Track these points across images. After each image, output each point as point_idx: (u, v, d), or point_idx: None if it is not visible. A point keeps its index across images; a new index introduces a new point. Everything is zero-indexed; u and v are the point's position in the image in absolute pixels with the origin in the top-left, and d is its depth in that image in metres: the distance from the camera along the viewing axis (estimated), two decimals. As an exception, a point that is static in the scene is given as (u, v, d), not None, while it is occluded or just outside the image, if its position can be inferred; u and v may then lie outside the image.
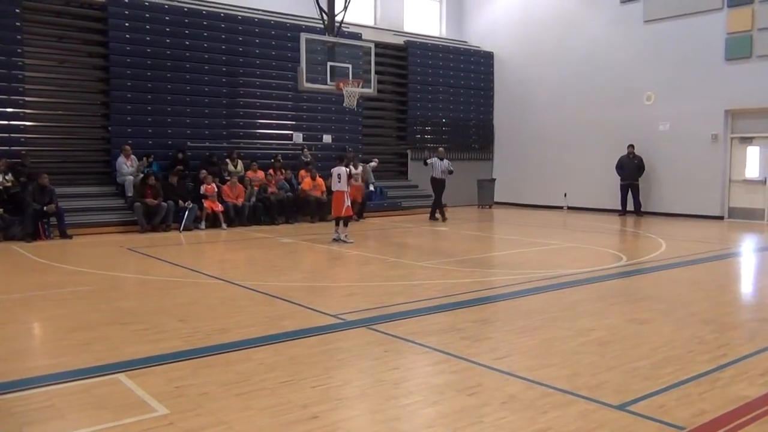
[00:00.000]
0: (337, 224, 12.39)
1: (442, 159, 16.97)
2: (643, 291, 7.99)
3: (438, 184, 16.79)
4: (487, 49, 22.48)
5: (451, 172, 16.94)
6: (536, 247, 11.94)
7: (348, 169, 12.38)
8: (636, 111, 18.40)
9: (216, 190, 14.57)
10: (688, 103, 17.38)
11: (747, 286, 9.16)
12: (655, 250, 11.26)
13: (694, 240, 13.13)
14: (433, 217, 16.98)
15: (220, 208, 14.38)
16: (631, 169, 17.87)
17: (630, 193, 18.02)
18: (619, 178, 18.15)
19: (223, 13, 16.85)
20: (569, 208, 19.78)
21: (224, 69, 16.55)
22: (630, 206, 18.07)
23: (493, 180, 21.81)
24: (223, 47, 16.56)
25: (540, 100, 20.99)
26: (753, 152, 16.96)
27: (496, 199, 21.62)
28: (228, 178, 15.13)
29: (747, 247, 12.68)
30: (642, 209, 18.00)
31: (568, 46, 20.14)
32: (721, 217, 17.04)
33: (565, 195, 19.83)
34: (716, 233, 14.53)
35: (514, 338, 5.65)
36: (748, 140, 17.01)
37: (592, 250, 11.76)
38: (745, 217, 16.75)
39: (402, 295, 7.38)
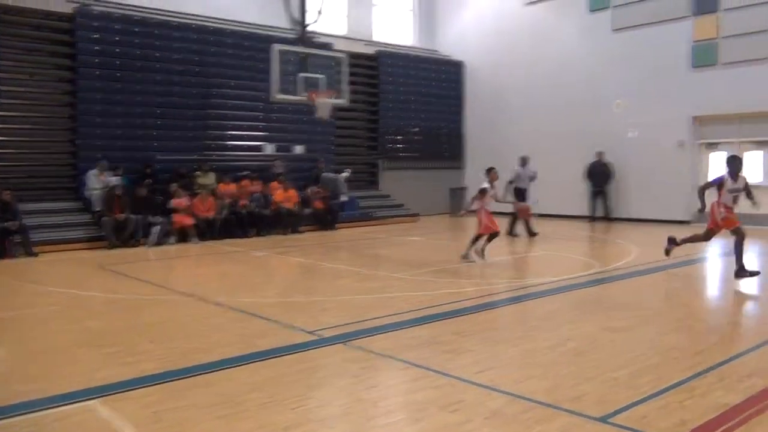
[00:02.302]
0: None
1: (524, 166, 15.32)
2: (616, 298, 8.05)
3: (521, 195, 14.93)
4: (458, 58, 22.61)
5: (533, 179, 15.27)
6: (510, 256, 11.98)
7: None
8: (605, 118, 18.65)
9: (187, 203, 14.35)
10: (656, 110, 17.66)
11: (716, 290, 9.31)
12: (625, 257, 11.37)
13: (662, 245, 13.28)
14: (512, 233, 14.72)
15: (190, 222, 14.15)
16: (600, 175, 18.09)
17: (599, 199, 18.25)
18: (589, 184, 18.36)
19: (194, 24, 16.69)
20: (540, 215, 19.90)
21: (194, 80, 16.37)
22: (600, 212, 18.29)
23: (464, 188, 21.89)
24: (194, 59, 16.39)
25: (510, 108, 21.15)
26: (718, 158, 17.29)
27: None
28: (199, 191, 14.92)
29: (713, 251, 12.88)
30: (611, 215, 18.23)
31: (538, 54, 20.35)
32: (688, 222, 17.32)
33: (536, 202, 19.96)
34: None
35: (493, 350, 5.63)
36: (713, 146, 17.36)
37: (564, 257, 11.84)
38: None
39: (378, 309, 7.31)
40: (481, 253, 10.66)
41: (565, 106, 19.59)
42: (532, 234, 14.37)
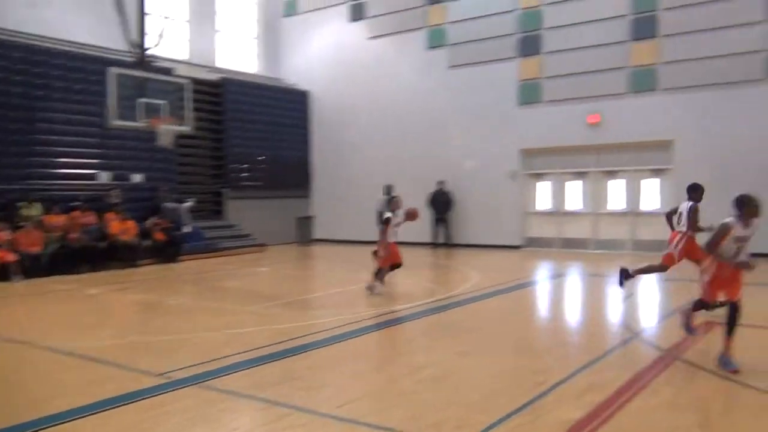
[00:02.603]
0: None
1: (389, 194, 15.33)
2: (463, 324, 8.42)
3: None
4: (304, 87, 22.76)
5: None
6: (360, 284, 12.13)
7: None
8: (445, 149, 19.64)
9: (7, 237, 12.99)
10: (489, 142, 18.93)
11: (549, 311, 10.07)
12: (467, 282, 11.98)
13: (499, 270, 14.20)
14: None
15: (12, 258, 12.81)
16: (441, 203, 18.98)
17: (441, 226, 19.12)
18: (431, 212, 19.18)
19: (20, 42, 15.31)
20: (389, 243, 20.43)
21: (17, 103, 14.96)
22: (441, 239, 19.15)
23: (311, 217, 21.96)
24: (16, 79, 15.00)
25: (355, 138, 21.62)
26: (544, 187, 18.88)
27: (316, 236, 21.78)
28: (22, 224, 13.57)
29: (544, 274, 13.98)
30: (452, 242, 19.16)
31: (381, 87, 21.05)
32: (519, 247, 18.66)
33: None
34: (517, 262, 15.87)
35: (352, 382, 5.65)
36: (539, 176, 18.91)
37: (411, 284, 12.21)
38: (539, 245, 18.50)
39: (230, 346, 7.05)
40: (381, 282, 10.55)
41: (408, 136, 20.41)
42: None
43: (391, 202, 11.00)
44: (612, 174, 17.78)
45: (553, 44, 18.12)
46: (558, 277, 13.37)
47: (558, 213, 18.49)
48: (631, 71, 16.98)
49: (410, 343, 7.18)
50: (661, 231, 16.65)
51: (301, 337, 7.45)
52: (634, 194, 17.42)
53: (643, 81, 16.78)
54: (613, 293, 11.02)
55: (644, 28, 16.74)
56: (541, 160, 18.73)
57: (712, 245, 5.85)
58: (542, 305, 10.53)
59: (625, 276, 9.25)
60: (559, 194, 18.54)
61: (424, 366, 6.12)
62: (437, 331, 7.86)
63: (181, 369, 6.08)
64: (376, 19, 21.44)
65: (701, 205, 8.87)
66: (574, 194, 18.35)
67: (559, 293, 11.77)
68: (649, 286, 12.21)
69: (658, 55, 16.60)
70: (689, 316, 6.52)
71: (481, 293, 10.63)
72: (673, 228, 8.97)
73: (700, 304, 6.36)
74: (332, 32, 22.31)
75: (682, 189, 16.05)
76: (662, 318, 8.69)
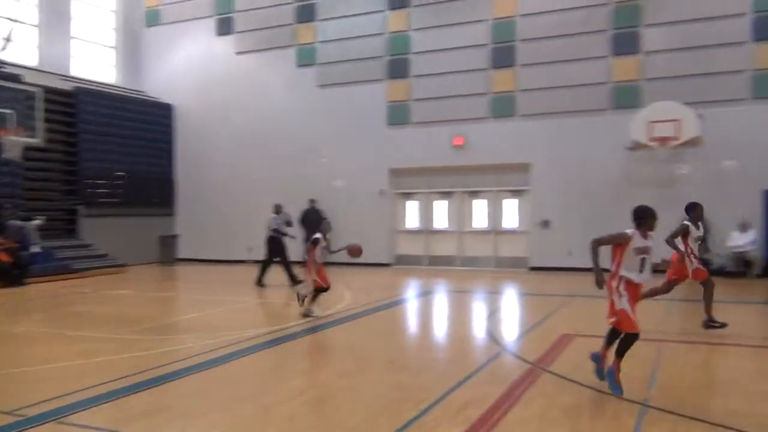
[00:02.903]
0: None
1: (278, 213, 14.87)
2: (340, 343, 8.38)
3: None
4: (167, 100, 21.83)
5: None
6: (228, 306, 11.74)
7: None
8: (315, 167, 19.61)
9: None
10: (359, 161, 19.15)
11: (422, 328, 10.28)
12: (341, 301, 11.96)
13: (371, 288, 14.33)
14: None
15: None
16: (312, 222, 18.82)
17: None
18: (303, 230, 18.98)
19: None
20: (255, 262, 19.98)
21: None
22: (312, 257, 18.99)
23: (176, 236, 21.02)
24: None
25: (223, 154, 21.04)
26: (412, 206, 19.39)
27: (180, 256, 20.85)
28: None
29: (414, 291, 14.29)
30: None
31: (249, 103, 20.68)
32: (389, 264, 18.97)
33: (250, 249, 20.03)
34: (388, 280, 16.10)
35: (230, 410, 5.39)
36: (408, 195, 19.39)
37: (284, 304, 12.00)
38: (408, 263, 18.93)
39: (90, 376, 6.50)
40: (301, 302, 10.20)
41: (277, 154, 20.17)
42: (259, 283, 14.26)
43: (321, 224, 10.65)
44: (475, 194, 18.61)
45: (420, 68, 18.74)
46: (427, 294, 13.71)
47: (425, 231, 19.03)
48: (493, 97, 17.93)
49: (288, 366, 7.00)
50: (520, 248, 17.77)
51: (169, 364, 7.04)
52: (495, 213, 18.32)
53: (503, 107, 17.77)
54: (479, 309, 11.50)
55: (503, 57, 17.76)
56: (409, 180, 19.21)
57: (601, 240, 5.67)
58: (415, 323, 10.73)
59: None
60: (426, 213, 19.10)
61: (304, 389, 6.00)
62: (316, 353, 7.75)
63: (34, 405, 5.50)
64: (244, 35, 21.10)
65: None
66: (441, 213, 18.99)
67: (430, 310, 12.07)
68: (511, 301, 12.85)
69: (516, 83, 17.67)
70: (602, 357, 5.92)
71: (356, 312, 10.65)
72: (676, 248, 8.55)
73: (623, 338, 5.71)
74: (199, 45, 21.66)
75: (538, 208, 17.30)
76: (526, 332, 9.13)
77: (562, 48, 17.08)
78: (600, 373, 5.86)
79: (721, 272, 15.06)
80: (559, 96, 17.12)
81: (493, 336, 8.86)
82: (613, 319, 5.73)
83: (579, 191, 16.81)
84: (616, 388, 5.59)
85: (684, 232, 8.32)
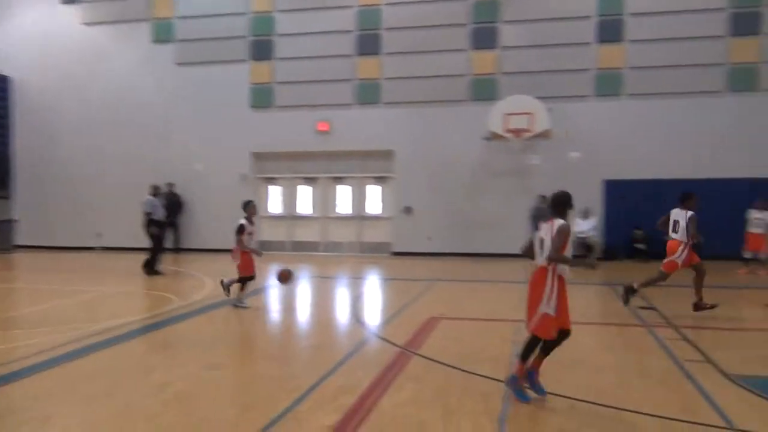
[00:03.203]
0: None
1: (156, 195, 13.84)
2: (205, 333, 8.03)
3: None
4: (3, 72, 19.77)
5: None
6: (79, 297, 10.89)
7: None
8: (173, 150, 18.69)
9: None
10: (220, 144, 18.51)
11: (289, 315, 10.11)
12: (202, 289, 11.51)
13: (233, 275, 13.90)
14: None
15: None
16: (171, 206, 17.96)
17: (170, 230, 18.10)
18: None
19: None
20: (105, 248, 18.77)
21: None
22: (170, 243, 18.13)
23: (13, 221, 19.18)
24: None
25: (71, 132, 19.47)
26: (275, 191, 19.07)
27: (19, 242, 19.07)
28: None
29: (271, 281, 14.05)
30: (181, 246, 18.30)
31: (99, 78, 19.29)
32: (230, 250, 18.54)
33: (99, 235, 18.78)
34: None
35: (86, 411, 4.98)
36: (271, 180, 19.04)
37: (140, 293, 11.35)
38: (272, 248, 18.61)
39: None
40: (226, 291, 9.68)
41: (131, 134, 19.01)
42: (152, 271, 13.45)
43: (248, 208, 9.98)
44: (340, 180, 18.66)
45: (284, 51, 18.41)
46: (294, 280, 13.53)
47: (289, 217, 18.81)
48: (358, 84, 18.03)
49: (149, 359, 6.60)
50: (383, 234, 18.07)
51: (14, 362, 6.39)
52: (359, 199, 18.49)
53: (368, 94, 17.93)
54: (345, 295, 11.55)
55: (369, 44, 17.89)
56: (272, 165, 18.87)
57: (560, 249, 4.96)
58: (281, 310, 10.52)
59: (631, 292, 9.27)
60: (290, 198, 18.88)
61: (168, 383, 5.67)
62: (180, 344, 7.37)
63: None
64: (92, 4, 19.60)
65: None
66: (305, 199, 18.86)
67: (296, 297, 11.92)
68: (376, 286, 13.05)
69: (381, 71, 17.87)
70: (520, 379, 5.19)
71: (220, 300, 10.26)
72: (668, 234, 8.87)
73: (543, 346, 5.14)
74: (40, 13, 19.85)
75: (401, 195, 17.68)
76: (393, 316, 9.28)
77: (426, 39, 17.51)
78: (536, 388, 5.18)
79: (567, 256, 16.23)
80: (422, 85, 17.56)
81: (361, 321, 8.93)
82: (535, 326, 5.05)
83: (439, 179, 17.37)
84: (540, 390, 5.16)
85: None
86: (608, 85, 16.56)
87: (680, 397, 5.30)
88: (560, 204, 5.19)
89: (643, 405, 4.82)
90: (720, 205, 14.27)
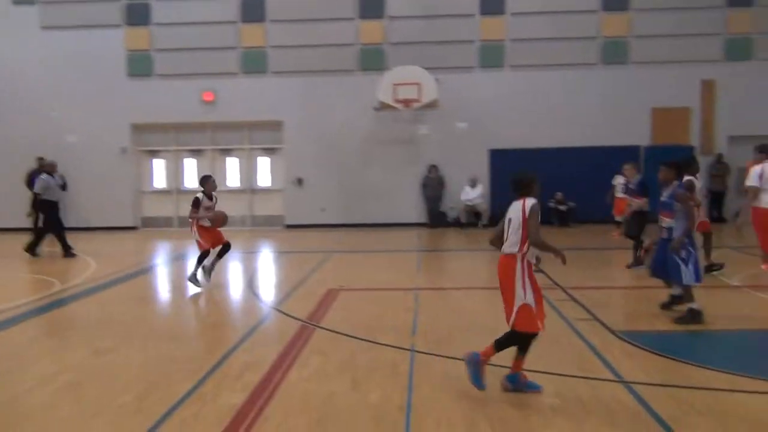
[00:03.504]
0: None
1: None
2: (92, 317, 7.59)
3: None
4: None
5: None
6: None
7: None
8: (41, 122, 17.30)
9: None
10: (96, 115, 17.36)
11: (181, 294, 9.72)
12: (86, 270, 10.86)
13: (119, 254, 13.27)
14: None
15: None
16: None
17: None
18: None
19: None
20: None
21: None
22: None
23: None
24: None
25: None
26: (159, 164, 18.21)
27: None
28: None
29: (166, 256, 13.54)
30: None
31: (-49, 43, 17.43)
32: (135, 227, 17.71)
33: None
34: (137, 244, 15.06)
35: (-36, 408, 4.58)
36: (154, 153, 18.14)
37: (13, 277, 10.54)
38: (157, 225, 17.86)
39: None
40: (209, 273, 9.06)
41: (-7, 105, 17.40)
42: (31, 252, 12.54)
43: (206, 183, 9.20)
44: (228, 152, 18.12)
45: (163, 16, 17.44)
46: (181, 258, 13.02)
47: (175, 191, 18.06)
48: (243, 52, 17.45)
49: (31, 348, 6.15)
50: (275, 207, 17.77)
51: None
52: (249, 172, 18.05)
53: (254, 63, 17.40)
54: (240, 270, 11.30)
55: (253, 11, 17.30)
56: (155, 137, 17.98)
57: (539, 231, 4.64)
58: (172, 288, 10.10)
59: (716, 269, 9.15)
60: (175, 172, 18.11)
61: (57, 372, 5.31)
62: (64, 329, 6.93)
63: None
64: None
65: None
66: (191, 172, 18.15)
67: (186, 275, 11.50)
68: (272, 260, 12.88)
69: (267, 38, 17.37)
70: (482, 363, 4.61)
71: (106, 281, 9.75)
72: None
73: (519, 339, 4.65)
74: None
75: (292, 166, 17.41)
76: (293, 290, 9.17)
77: (312, 6, 17.19)
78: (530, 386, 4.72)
79: (457, 223, 16.78)
80: (310, 55, 17.26)
81: (259, 297, 8.78)
82: (516, 321, 4.59)
83: (330, 149, 17.27)
84: (533, 387, 4.70)
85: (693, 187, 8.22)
86: (491, 56, 17.04)
87: (573, 354, 5.63)
88: (523, 185, 4.79)
89: (537, 363, 5.08)
90: (596, 172, 15.11)
